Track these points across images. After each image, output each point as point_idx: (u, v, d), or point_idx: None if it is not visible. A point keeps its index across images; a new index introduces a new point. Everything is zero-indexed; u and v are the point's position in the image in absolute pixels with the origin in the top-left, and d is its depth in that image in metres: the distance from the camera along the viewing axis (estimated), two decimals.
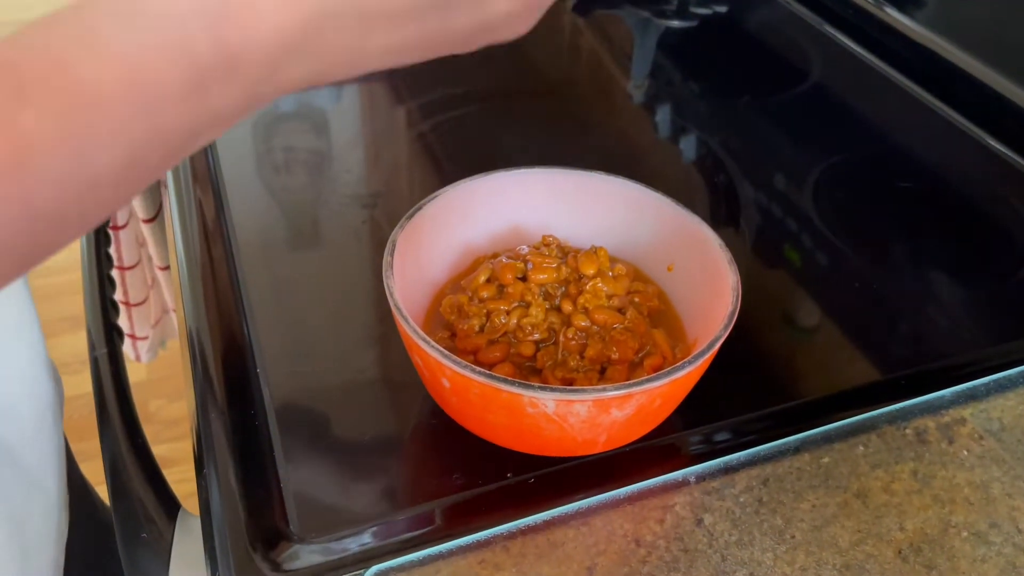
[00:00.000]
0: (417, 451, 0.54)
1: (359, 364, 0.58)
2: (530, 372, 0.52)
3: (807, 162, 0.80)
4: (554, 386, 0.43)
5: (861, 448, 0.53)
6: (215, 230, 0.68)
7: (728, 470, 0.52)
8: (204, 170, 0.74)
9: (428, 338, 0.46)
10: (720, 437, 0.54)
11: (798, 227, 0.72)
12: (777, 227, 0.72)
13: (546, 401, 0.44)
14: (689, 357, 0.46)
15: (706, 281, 0.54)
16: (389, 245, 0.52)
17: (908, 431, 0.54)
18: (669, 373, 0.45)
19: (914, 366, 0.59)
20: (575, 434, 0.47)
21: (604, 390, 0.44)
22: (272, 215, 0.71)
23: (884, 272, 0.68)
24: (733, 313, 0.49)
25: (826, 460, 0.52)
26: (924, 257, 0.70)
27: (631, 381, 0.44)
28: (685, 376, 0.46)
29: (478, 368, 0.44)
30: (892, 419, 0.55)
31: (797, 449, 0.53)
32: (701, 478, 0.51)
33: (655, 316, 0.55)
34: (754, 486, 0.51)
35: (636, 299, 0.55)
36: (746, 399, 0.56)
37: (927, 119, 0.86)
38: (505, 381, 0.44)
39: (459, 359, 0.45)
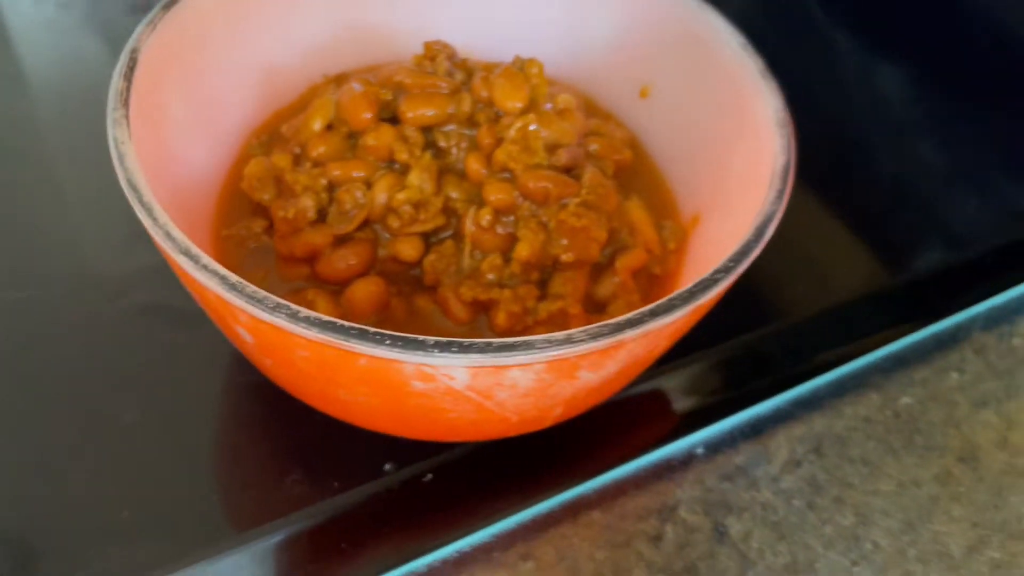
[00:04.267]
0: (220, 434, 0.30)
1: (115, 280, 0.33)
2: (415, 289, 0.29)
3: None
4: (465, 341, 0.20)
5: (955, 376, 0.33)
6: None
7: (756, 431, 0.31)
8: None
9: (192, 247, 0.22)
10: (736, 373, 0.33)
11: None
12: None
13: (451, 371, 0.21)
14: (718, 266, 0.23)
15: (714, 112, 0.31)
16: (123, 61, 0.26)
17: (1017, 341, 0.35)
18: (689, 298, 0.23)
19: (1004, 235, 0.39)
20: (507, 414, 0.24)
21: (572, 340, 0.21)
22: None
23: (930, 86, 0.47)
24: (786, 169, 0.26)
25: (906, 401, 0.32)
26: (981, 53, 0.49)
27: (622, 319, 0.22)
28: (710, 300, 0.23)
29: (302, 312, 0.21)
30: (991, 323, 0.35)
31: (858, 384, 0.33)
32: (714, 448, 0.31)
33: (625, 177, 0.32)
34: (801, 457, 0.30)
35: (594, 148, 0.31)
36: (766, 304, 0.35)
37: None
38: (362, 336, 0.20)
39: (256, 292, 0.21)
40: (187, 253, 0.22)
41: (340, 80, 0.33)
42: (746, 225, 0.26)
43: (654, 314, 0.22)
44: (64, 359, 0.31)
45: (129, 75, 0.26)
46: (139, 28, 0.27)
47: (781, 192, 0.25)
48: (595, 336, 0.21)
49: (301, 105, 0.33)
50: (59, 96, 0.40)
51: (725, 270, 0.23)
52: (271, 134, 0.33)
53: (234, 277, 0.21)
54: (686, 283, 0.30)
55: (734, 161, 0.29)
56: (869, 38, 0.48)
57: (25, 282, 0.32)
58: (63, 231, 0.34)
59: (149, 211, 0.22)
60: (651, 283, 0.30)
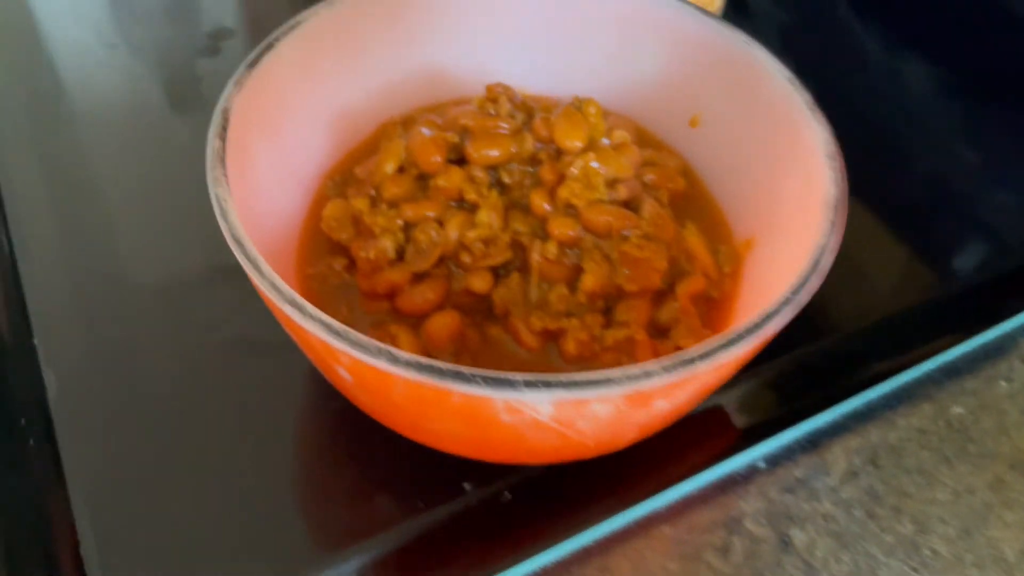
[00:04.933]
0: (306, 459, 0.32)
1: (203, 315, 0.35)
2: (487, 319, 0.31)
3: None
4: (551, 378, 0.22)
5: (1003, 384, 0.35)
6: None
7: (815, 444, 0.33)
8: None
9: (297, 297, 0.24)
10: (792, 388, 0.34)
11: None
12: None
13: (537, 405, 0.23)
14: (780, 297, 0.25)
15: (763, 141, 0.33)
16: (216, 121, 0.29)
17: None
18: (755, 329, 0.24)
19: None
20: (585, 440, 0.26)
21: (648, 374, 0.23)
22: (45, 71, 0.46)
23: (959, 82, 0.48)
24: (839, 201, 0.28)
25: (957, 411, 0.34)
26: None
27: (694, 352, 0.23)
28: (775, 330, 0.25)
29: (403, 356, 0.23)
30: None
31: (911, 396, 0.34)
32: (774, 462, 0.32)
33: (679, 204, 0.34)
34: (859, 468, 0.32)
35: (650, 178, 0.33)
36: (818, 319, 0.36)
37: None
38: (457, 377, 0.22)
39: (360, 338, 0.23)
40: (293, 303, 0.24)
41: (407, 122, 0.35)
42: (802, 254, 0.27)
43: (724, 346, 0.24)
44: (159, 395, 0.33)
45: (223, 134, 0.28)
46: (228, 88, 0.29)
47: (834, 223, 0.27)
48: (670, 369, 0.23)
49: (371, 146, 0.36)
50: (134, 139, 0.42)
51: (787, 301, 0.25)
52: (344, 175, 0.35)
53: (338, 324, 0.23)
54: (743, 306, 0.31)
55: (785, 189, 0.31)
56: (903, 40, 0.49)
57: (121, 323, 0.35)
58: (153, 272, 0.36)
59: (255, 265, 0.24)
60: (709, 306, 0.32)
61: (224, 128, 0.28)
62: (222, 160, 0.27)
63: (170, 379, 0.33)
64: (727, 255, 0.33)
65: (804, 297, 0.25)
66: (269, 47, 0.31)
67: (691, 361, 0.23)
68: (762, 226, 0.32)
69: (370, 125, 0.36)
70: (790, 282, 0.26)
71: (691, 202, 0.35)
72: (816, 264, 0.26)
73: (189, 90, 0.44)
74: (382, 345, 0.23)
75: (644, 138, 0.36)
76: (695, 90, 0.35)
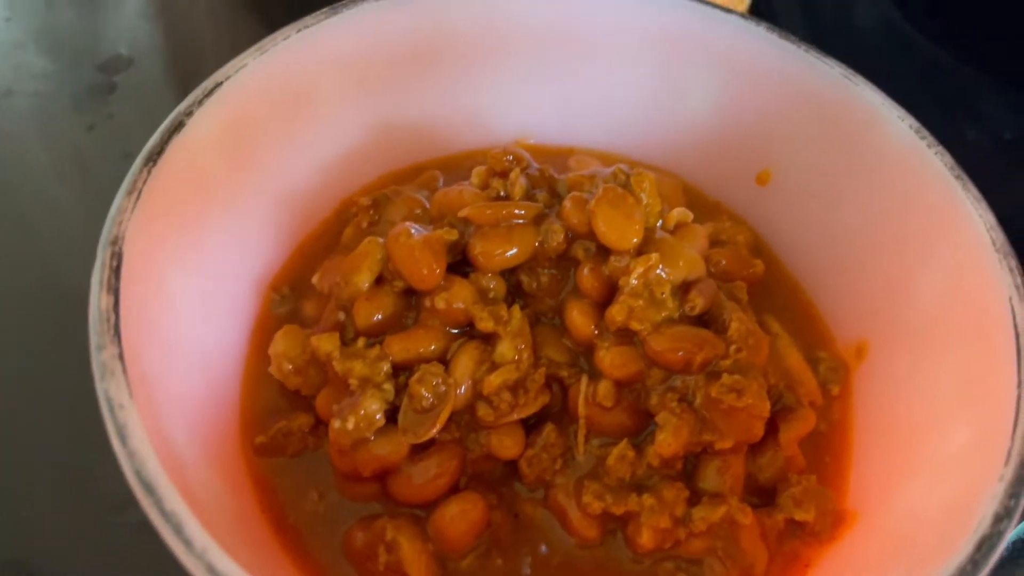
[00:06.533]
0: None
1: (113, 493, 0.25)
2: (516, 491, 0.22)
3: None
4: None
5: None
6: None
7: None
8: None
9: None
10: None
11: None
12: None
13: None
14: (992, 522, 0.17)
15: (875, 214, 0.24)
16: (103, 262, 0.18)
17: None
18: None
19: None
20: None
21: None
22: None
23: None
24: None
25: None
26: None
27: None
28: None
29: None
30: None
31: None
32: None
33: (754, 294, 0.25)
34: None
35: (721, 264, 0.24)
36: None
37: None
38: None
39: None
40: None
41: (378, 204, 0.25)
42: (980, 403, 0.19)
43: None
44: None
45: (114, 281, 0.18)
46: (116, 202, 0.19)
47: None
48: None
49: (327, 235, 0.26)
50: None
51: (1006, 514, 0.16)
52: (292, 284, 0.25)
53: None
54: (864, 442, 0.23)
55: (919, 283, 0.22)
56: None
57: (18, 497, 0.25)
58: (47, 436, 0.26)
59: (177, 528, 0.15)
60: (818, 446, 0.23)
61: (115, 271, 0.18)
62: (115, 329, 0.17)
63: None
64: (831, 367, 0.24)
65: None
66: (177, 126, 0.21)
67: None
68: (880, 328, 0.24)
69: (324, 206, 0.26)
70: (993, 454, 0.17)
71: (768, 289, 0.26)
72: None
73: (77, 153, 0.33)
74: None
75: (694, 200, 0.27)
76: (764, 136, 0.26)
